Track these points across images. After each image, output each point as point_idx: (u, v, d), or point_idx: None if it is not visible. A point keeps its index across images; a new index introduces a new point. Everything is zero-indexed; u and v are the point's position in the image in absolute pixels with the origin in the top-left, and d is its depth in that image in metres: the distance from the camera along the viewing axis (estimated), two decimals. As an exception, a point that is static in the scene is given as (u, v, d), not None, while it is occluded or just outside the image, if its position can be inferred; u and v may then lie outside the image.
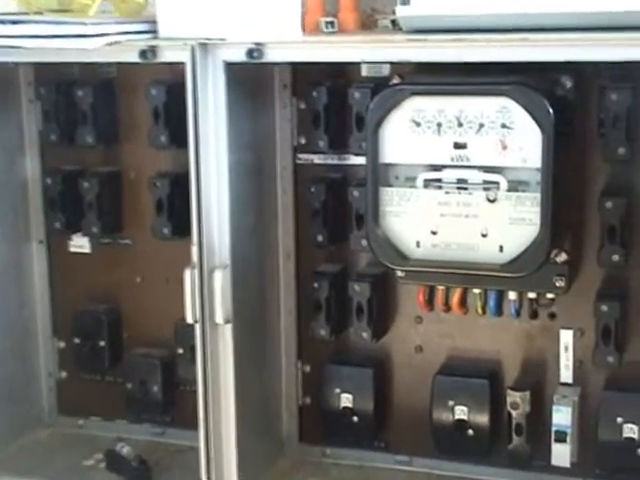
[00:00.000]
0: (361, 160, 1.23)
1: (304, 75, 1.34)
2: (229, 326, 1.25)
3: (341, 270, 1.39)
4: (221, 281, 1.23)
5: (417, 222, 1.18)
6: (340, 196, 1.34)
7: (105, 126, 1.43)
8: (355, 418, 1.40)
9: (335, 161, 1.36)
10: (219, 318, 1.24)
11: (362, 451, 1.43)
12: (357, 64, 1.31)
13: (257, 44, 1.17)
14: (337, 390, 1.40)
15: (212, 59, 1.20)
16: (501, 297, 1.30)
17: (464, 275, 1.19)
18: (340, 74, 1.32)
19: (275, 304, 1.42)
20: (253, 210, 1.33)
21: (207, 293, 1.24)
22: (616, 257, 1.22)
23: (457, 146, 1.15)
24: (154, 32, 1.25)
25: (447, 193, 1.16)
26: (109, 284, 1.50)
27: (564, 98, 1.17)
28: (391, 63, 1.27)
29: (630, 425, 1.27)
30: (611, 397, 1.28)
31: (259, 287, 1.37)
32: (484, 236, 1.16)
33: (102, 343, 1.50)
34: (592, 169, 1.26)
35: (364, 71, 1.31)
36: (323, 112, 1.31)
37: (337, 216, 1.35)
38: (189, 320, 1.25)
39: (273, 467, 1.43)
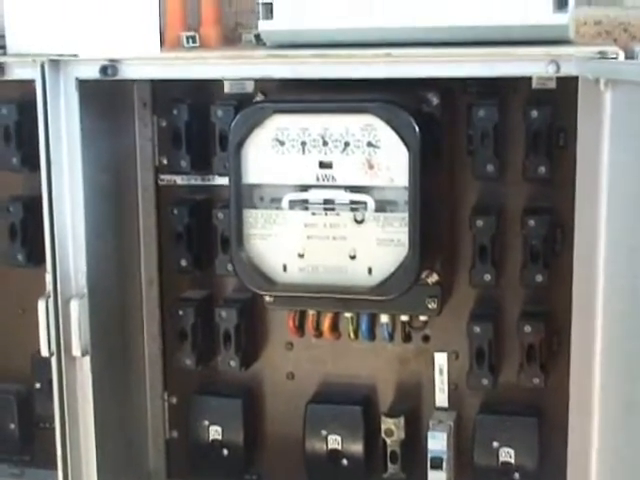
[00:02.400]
0: (225, 181, 1.22)
1: (165, 92, 1.32)
2: (87, 359, 1.23)
3: (207, 296, 1.37)
4: (77, 311, 1.21)
5: (283, 245, 1.17)
6: (204, 219, 1.32)
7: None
8: (225, 451, 1.38)
9: (199, 182, 1.35)
10: (76, 350, 1.22)
11: (233, 485, 1.41)
12: (219, 81, 1.29)
13: (111, 60, 1.16)
14: (205, 422, 1.38)
15: (64, 76, 1.18)
16: (373, 321, 1.30)
17: (334, 299, 1.19)
18: (202, 91, 1.31)
19: (138, 333, 1.39)
20: (112, 235, 1.31)
21: (63, 324, 1.21)
22: (488, 277, 1.24)
23: (322, 165, 1.15)
24: (2, 47, 1.22)
25: (314, 214, 1.16)
26: (-41, 316, 1.45)
27: (431, 115, 1.18)
28: (253, 79, 1.26)
29: (506, 449, 1.29)
30: (486, 421, 1.30)
31: (120, 316, 1.34)
32: (352, 258, 1.16)
33: (-47, 380, 1.44)
34: (462, 187, 1.27)
35: (227, 87, 1.30)
36: (185, 130, 1.29)
37: (202, 240, 1.33)
38: (44, 353, 1.22)
39: (139, 505, 1.40)
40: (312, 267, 1.17)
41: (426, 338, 1.32)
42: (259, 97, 1.21)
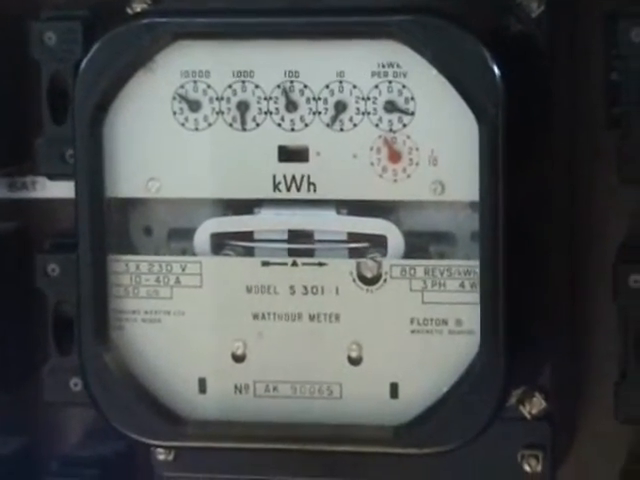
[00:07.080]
0: (67, 190, 0.73)
1: None
2: None
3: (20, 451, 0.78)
4: None
5: (199, 335, 0.66)
6: (16, 276, 0.78)
7: None
8: None
9: (3, 193, 0.81)
10: None
11: None
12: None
13: None
14: None
15: None
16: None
17: (315, 457, 0.67)
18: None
19: None
20: None
21: None
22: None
23: (286, 155, 0.66)
24: None
25: (266, 265, 0.66)
26: None
27: (527, 41, 0.66)
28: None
29: None
30: None
31: None
32: (356, 363, 0.66)
33: None
34: (598, 201, 0.73)
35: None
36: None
37: (11, 325, 0.78)
38: None
39: None
40: (264, 384, 0.66)
41: None
42: (141, 3, 0.69)
